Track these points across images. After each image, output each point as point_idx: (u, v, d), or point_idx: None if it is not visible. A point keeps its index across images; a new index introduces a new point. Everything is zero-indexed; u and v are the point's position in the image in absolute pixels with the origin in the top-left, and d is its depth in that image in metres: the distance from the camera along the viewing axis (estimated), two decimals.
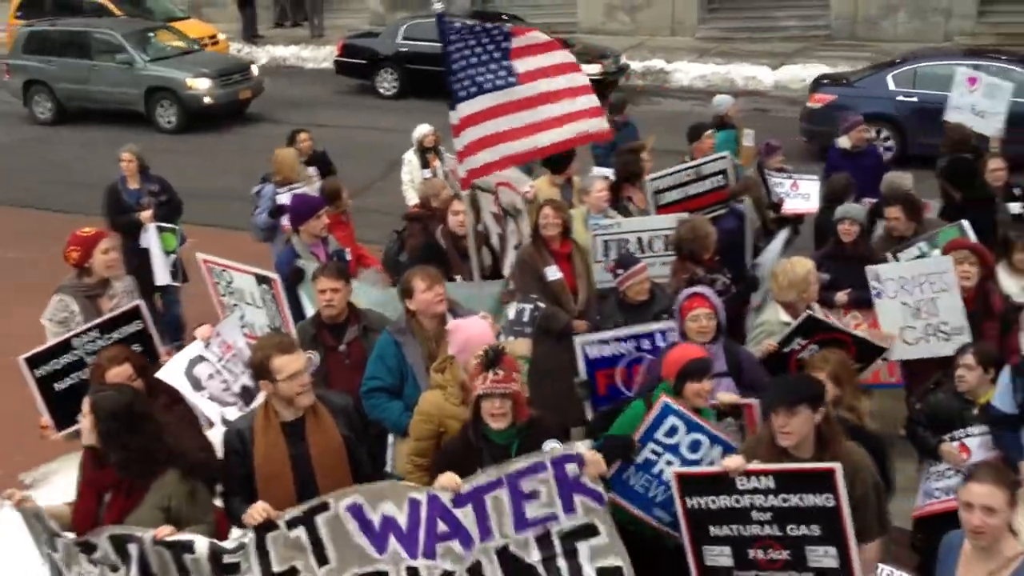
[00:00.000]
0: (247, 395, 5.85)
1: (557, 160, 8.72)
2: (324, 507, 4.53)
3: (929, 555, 4.73)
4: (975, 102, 10.64)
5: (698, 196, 8.68)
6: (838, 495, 4.32)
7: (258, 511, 4.49)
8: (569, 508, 4.56)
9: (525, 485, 4.55)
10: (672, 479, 4.67)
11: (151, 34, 20.65)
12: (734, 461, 4.52)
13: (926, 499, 5.71)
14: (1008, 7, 22.31)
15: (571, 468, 4.55)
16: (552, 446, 4.68)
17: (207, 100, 19.08)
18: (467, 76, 6.71)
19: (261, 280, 6.83)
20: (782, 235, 8.44)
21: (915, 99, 14.78)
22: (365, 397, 5.72)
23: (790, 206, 9.24)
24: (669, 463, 4.91)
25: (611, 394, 6.30)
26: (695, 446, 4.94)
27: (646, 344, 6.28)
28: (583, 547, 4.56)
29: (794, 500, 4.41)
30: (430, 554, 4.55)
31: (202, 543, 4.44)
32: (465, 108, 6.75)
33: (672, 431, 4.94)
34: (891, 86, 15.24)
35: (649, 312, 6.65)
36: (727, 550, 4.59)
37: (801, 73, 20.63)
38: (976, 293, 6.44)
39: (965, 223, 7.58)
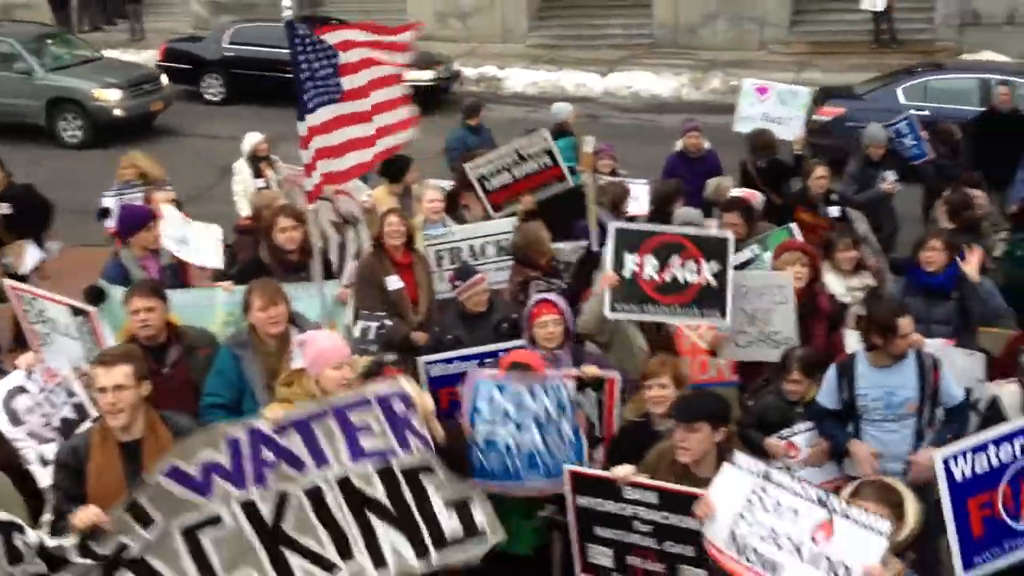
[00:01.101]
0: (67, 428, 5.53)
1: (393, 169, 8.65)
2: (144, 488, 4.29)
3: None
4: (767, 110, 11.14)
5: (527, 177, 8.76)
6: None
7: (88, 515, 4.22)
8: (404, 445, 4.49)
9: (355, 417, 4.47)
10: (566, 476, 4.79)
11: (49, 40, 19.09)
12: (622, 470, 4.59)
13: None
14: (816, 16, 23.52)
15: (398, 406, 4.50)
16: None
17: (117, 112, 17.66)
18: (314, 85, 6.56)
19: (76, 312, 6.33)
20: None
21: (927, 112, 14.11)
22: (203, 414, 5.49)
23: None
24: (508, 431, 5.08)
25: (452, 409, 6.24)
26: (518, 400, 5.07)
27: (490, 362, 6.24)
28: (428, 481, 4.51)
29: (674, 519, 4.52)
30: (260, 480, 4.36)
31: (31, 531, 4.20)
32: (313, 118, 6.59)
33: (491, 400, 5.09)
34: (902, 99, 14.83)
35: (489, 322, 6.67)
36: (609, 552, 4.73)
37: (628, 80, 21.21)
38: (805, 293, 6.67)
39: (794, 226, 7.92)
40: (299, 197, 8.35)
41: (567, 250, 8.00)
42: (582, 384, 5.51)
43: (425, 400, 4.68)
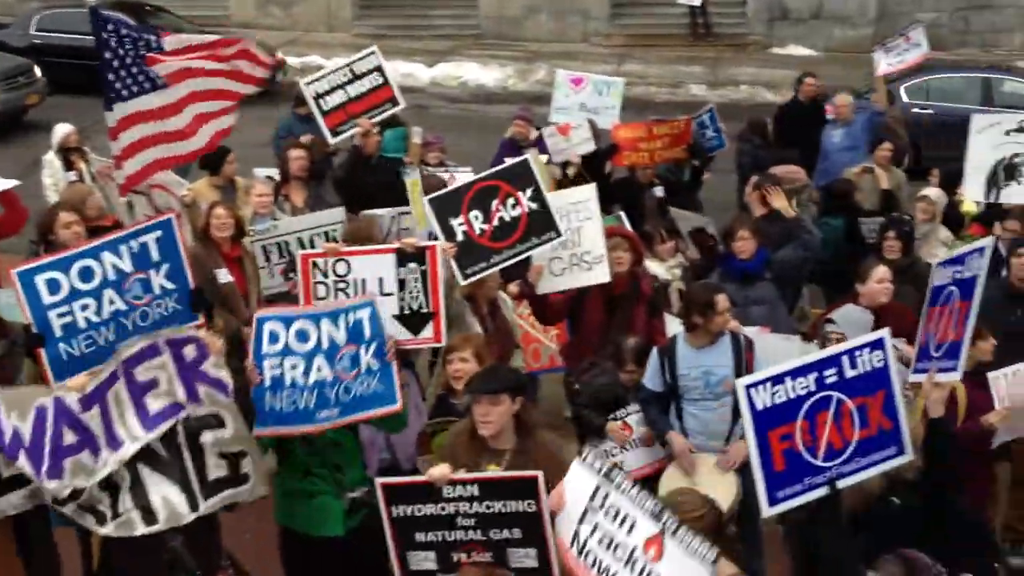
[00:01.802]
0: None
1: (211, 161, 8.42)
2: None
3: None
4: (584, 100, 11.38)
5: (360, 98, 8.74)
6: (539, 501, 4.45)
7: None
8: (193, 396, 4.54)
9: (141, 374, 4.50)
10: (378, 489, 4.63)
11: None
12: (439, 471, 4.52)
13: None
14: (636, 10, 24.18)
15: (189, 351, 4.52)
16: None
17: None
18: (122, 76, 6.29)
19: None
20: None
21: (930, 111, 14.66)
22: None
23: None
24: (293, 366, 5.02)
25: None
26: (302, 336, 5.05)
27: None
28: (207, 435, 4.60)
29: (498, 506, 4.51)
30: (56, 474, 4.42)
31: None
32: (121, 109, 6.32)
33: (274, 337, 5.04)
34: (904, 98, 14.89)
35: None
36: (431, 555, 4.63)
37: (456, 71, 21.28)
38: (627, 278, 6.86)
39: (622, 213, 8.13)
40: (113, 191, 8.03)
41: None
42: (404, 258, 5.55)
43: (216, 343, 4.66)
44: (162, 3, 21.18)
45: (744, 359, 5.82)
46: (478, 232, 6.29)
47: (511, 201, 6.32)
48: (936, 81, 15.45)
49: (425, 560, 4.65)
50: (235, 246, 7.29)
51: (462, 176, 9.86)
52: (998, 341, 6.02)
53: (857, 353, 4.52)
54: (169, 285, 5.45)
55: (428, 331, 5.81)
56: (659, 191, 9.43)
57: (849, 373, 4.50)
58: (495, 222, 6.28)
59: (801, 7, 23.09)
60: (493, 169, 6.69)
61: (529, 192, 6.35)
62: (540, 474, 4.47)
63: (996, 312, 6.28)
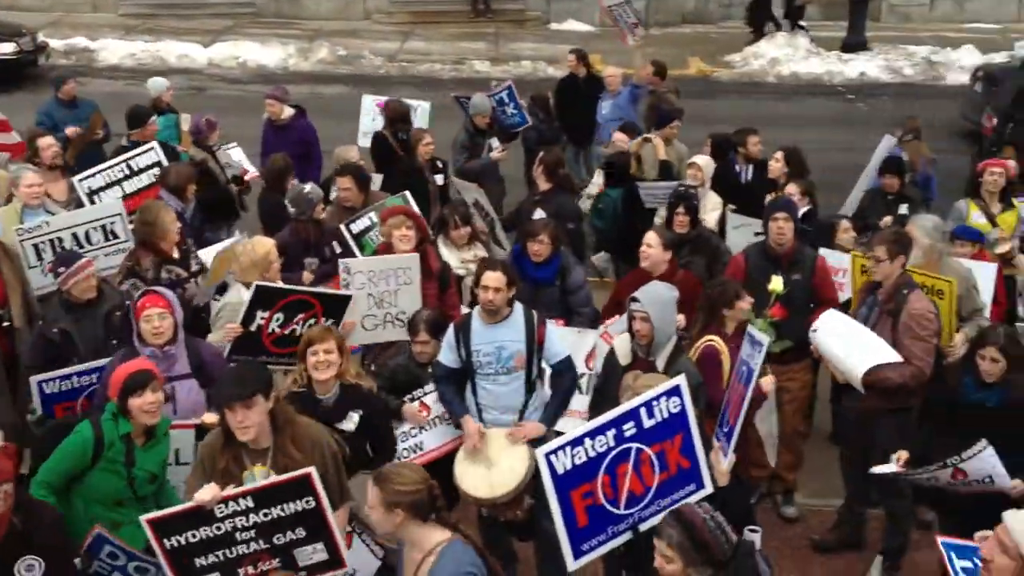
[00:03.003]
0: None
1: None
2: None
3: None
4: None
5: (137, 194, 8.34)
6: (317, 495, 4.44)
7: None
8: None
9: None
10: (145, 526, 4.43)
11: None
12: (207, 492, 4.38)
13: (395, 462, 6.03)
14: None
15: None
16: None
17: None
18: None
19: None
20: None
21: None
22: None
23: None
24: None
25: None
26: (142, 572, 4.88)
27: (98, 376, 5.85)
28: None
29: (276, 512, 4.44)
30: None
31: None
32: None
33: (113, 556, 4.85)
34: None
35: (99, 311, 6.31)
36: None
37: (234, 51, 20.63)
38: (415, 254, 6.85)
39: (407, 193, 8.15)
40: None
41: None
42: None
43: None
44: None
45: (536, 334, 5.95)
46: (269, 331, 6.22)
47: (312, 322, 6.26)
48: None
49: None
50: None
51: (232, 152, 9.74)
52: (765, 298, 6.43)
53: (654, 403, 4.65)
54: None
55: None
56: (439, 178, 9.50)
57: (647, 424, 4.63)
58: (287, 331, 6.22)
59: None
60: (320, 289, 6.67)
61: (330, 321, 6.30)
62: (312, 470, 4.45)
63: (757, 274, 6.71)
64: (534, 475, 5.28)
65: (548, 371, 6.11)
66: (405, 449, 6.00)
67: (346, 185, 8.15)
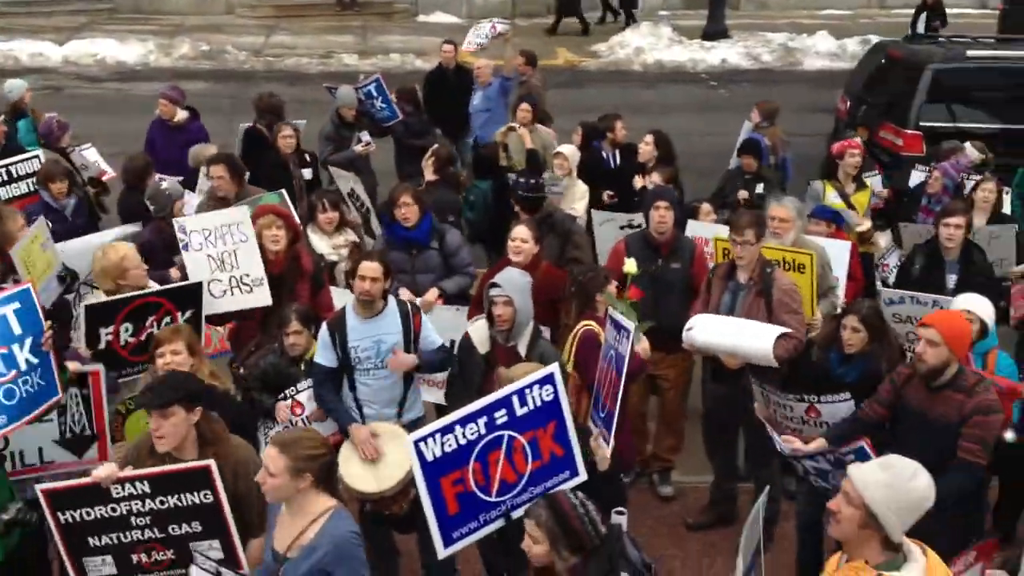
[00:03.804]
0: None
1: None
2: None
3: None
4: None
5: (13, 200, 8.10)
6: (216, 490, 4.38)
7: None
8: None
9: None
10: (40, 496, 4.40)
11: None
12: (105, 470, 4.36)
13: None
14: None
15: None
16: None
17: None
18: None
19: None
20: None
21: None
22: None
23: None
24: None
25: None
26: None
27: None
28: None
29: (172, 501, 4.40)
30: None
31: None
32: None
33: None
34: None
35: None
36: (109, 559, 4.46)
37: (91, 48, 19.96)
38: (287, 255, 6.79)
39: (284, 192, 8.01)
40: None
41: None
42: (66, 383, 5.26)
43: None
44: None
45: (412, 324, 5.96)
46: (122, 343, 6.05)
47: (167, 319, 6.11)
48: None
49: (103, 565, 4.50)
50: None
51: (87, 153, 9.44)
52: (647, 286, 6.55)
53: (527, 391, 4.66)
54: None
55: (93, 452, 5.53)
56: (306, 172, 9.40)
57: (520, 411, 4.64)
58: (143, 338, 6.05)
59: None
60: (163, 287, 6.42)
61: (188, 313, 6.17)
62: (212, 463, 4.40)
63: (641, 260, 6.82)
64: None
65: None
66: None
67: (219, 173, 7.97)
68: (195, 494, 4.41)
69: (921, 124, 11.38)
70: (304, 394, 6.04)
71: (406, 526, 5.82)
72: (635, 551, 4.04)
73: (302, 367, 6.13)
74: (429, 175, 8.66)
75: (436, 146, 9.00)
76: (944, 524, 4.82)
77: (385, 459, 5.64)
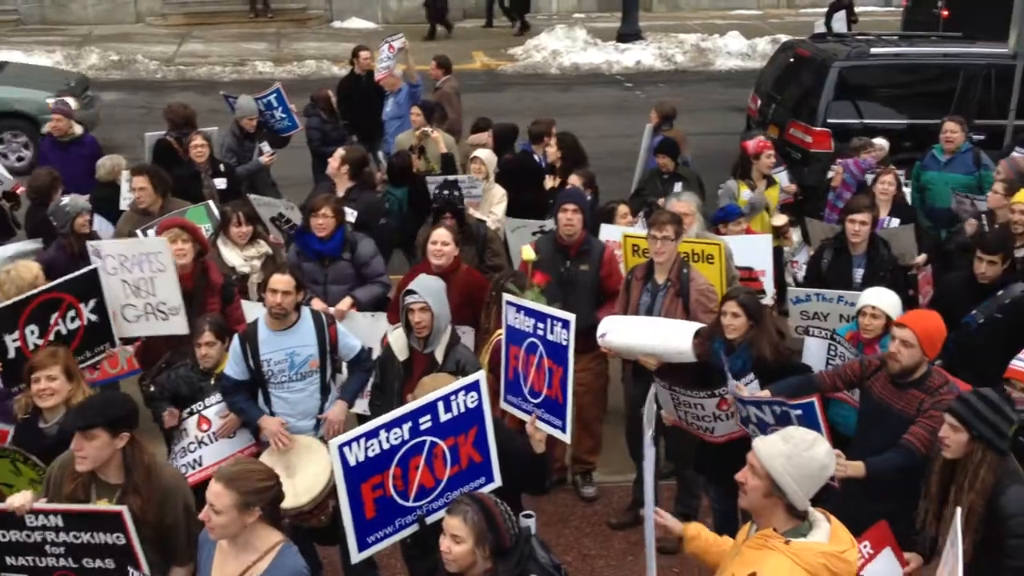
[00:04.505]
0: None
1: None
2: None
3: None
4: None
5: None
6: (128, 534, 4.31)
7: None
8: None
9: None
10: None
11: None
12: (19, 499, 4.31)
13: None
14: None
15: None
16: None
17: None
18: None
19: None
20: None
21: None
22: None
23: None
24: None
25: None
26: None
27: None
28: None
29: (85, 537, 4.35)
30: None
31: None
32: None
33: None
34: None
35: None
36: None
37: None
38: (194, 269, 6.69)
39: (210, 203, 7.85)
40: None
41: None
42: None
43: None
44: None
45: (327, 335, 5.90)
46: (31, 347, 5.91)
47: (71, 313, 5.98)
48: None
49: None
50: None
51: None
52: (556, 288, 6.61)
53: (452, 397, 4.67)
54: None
55: None
56: (220, 183, 9.26)
57: (444, 417, 4.65)
58: (51, 336, 5.92)
59: None
60: (57, 280, 6.26)
61: (92, 303, 6.04)
62: (124, 510, 4.33)
63: (548, 264, 6.85)
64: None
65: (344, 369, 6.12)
66: (183, 465, 5.81)
67: (141, 184, 7.80)
68: (108, 535, 4.35)
69: (829, 121, 11.63)
70: (212, 410, 5.92)
71: (328, 538, 5.77)
72: (544, 553, 4.06)
73: (212, 381, 6.02)
74: (345, 182, 8.48)
75: (342, 152, 8.75)
76: (882, 506, 5.03)
77: (302, 472, 5.58)
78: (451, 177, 8.47)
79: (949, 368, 5.75)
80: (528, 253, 6.31)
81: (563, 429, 5.16)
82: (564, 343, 5.13)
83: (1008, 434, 4.57)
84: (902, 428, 5.22)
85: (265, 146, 10.18)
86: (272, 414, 5.84)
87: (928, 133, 10.34)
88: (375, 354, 6.29)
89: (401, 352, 5.85)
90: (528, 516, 4.57)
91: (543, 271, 6.53)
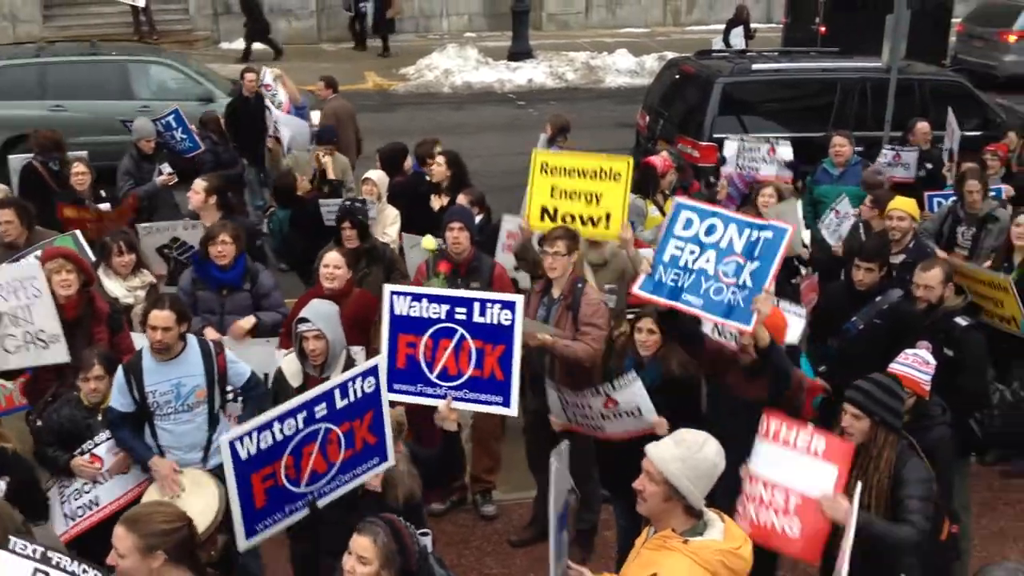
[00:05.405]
0: None
1: None
2: None
3: None
4: None
5: None
6: None
7: None
8: None
9: None
10: None
11: None
12: None
13: (68, 523, 5.61)
14: (70, 11, 22.85)
15: None
16: None
17: None
18: None
19: None
20: None
21: None
22: None
23: None
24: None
25: None
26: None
27: None
28: None
29: None
30: None
31: None
32: None
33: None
34: None
35: None
36: None
37: None
38: (80, 299, 6.46)
39: (78, 233, 7.60)
40: None
41: None
42: None
43: None
44: None
45: (215, 364, 5.76)
46: None
47: None
48: None
49: None
50: None
51: None
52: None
53: (350, 384, 4.69)
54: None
55: None
56: (104, 207, 9.02)
57: (340, 404, 4.65)
58: None
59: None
60: None
61: None
62: None
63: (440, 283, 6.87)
64: (226, 512, 5.12)
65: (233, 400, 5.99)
66: (80, 507, 5.61)
67: (7, 218, 7.45)
68: None
69: (714, 136, 11.92)
70: (102, 447, 5.70)
71: (223, 570, 5.63)
72: (442, 570, 4.06)
73: (99, 417, 5.80)
74: (213, 214, 7.97)
75: (203, 183, 8.25)
76: None
77: (189, 508, 5.40)
78: (350, 198, 8.45)
79: (832, 373, 5.92)
80: (429, 242, 6.33)
81: (506, 404, 5.36)
82: (508, 323, 5.36)
83: (902, 413, 5.01)
84: (756, 414, 5.26)
85: (165, 167, 9.94)
86: (159, 447, 5.68)
87: (811, 145, 10.67)
88: (271, 381, 6.15)
89: (294, 378, 5.75)
90: (425, 534, 4.55)
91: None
